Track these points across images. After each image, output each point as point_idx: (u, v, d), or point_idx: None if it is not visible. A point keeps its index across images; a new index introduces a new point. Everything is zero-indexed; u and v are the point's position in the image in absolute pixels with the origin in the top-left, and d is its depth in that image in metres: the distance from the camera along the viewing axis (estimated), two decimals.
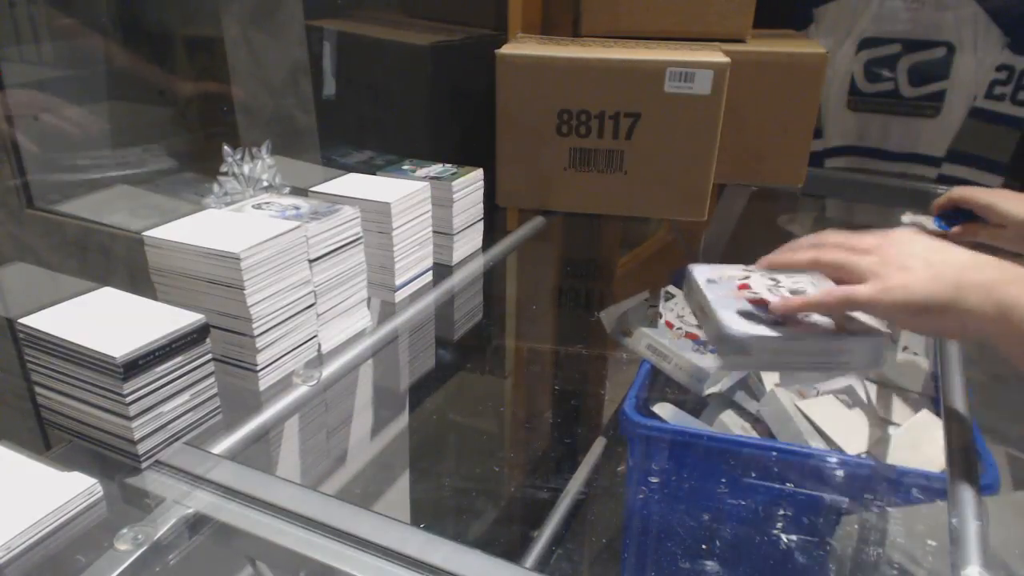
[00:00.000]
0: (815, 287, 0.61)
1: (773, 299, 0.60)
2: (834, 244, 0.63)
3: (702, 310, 0.63)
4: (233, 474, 0.53)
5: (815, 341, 0.59)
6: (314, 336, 0.69)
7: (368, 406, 0.81)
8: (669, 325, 0.99)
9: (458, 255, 0.90)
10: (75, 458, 0.54)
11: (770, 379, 0.90)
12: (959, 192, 0.81)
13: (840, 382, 0.89)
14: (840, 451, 0.81)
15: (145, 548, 0.47)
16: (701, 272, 0.67)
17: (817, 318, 0.60)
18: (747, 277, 0.65)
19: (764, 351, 0.59)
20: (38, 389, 0.55)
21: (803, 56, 1.01)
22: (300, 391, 0.64)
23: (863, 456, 0.80)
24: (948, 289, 0.54)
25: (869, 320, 0.61)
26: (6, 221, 1.05)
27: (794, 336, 0.58)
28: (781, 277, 0.64)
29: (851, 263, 0.60)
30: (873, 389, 0.89)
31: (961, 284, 0.54)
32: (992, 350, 0.54)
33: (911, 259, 0.57)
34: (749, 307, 0.61)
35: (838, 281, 0.61)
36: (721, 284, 0.64)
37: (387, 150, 0.97)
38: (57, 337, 0.52)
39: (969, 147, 1.36)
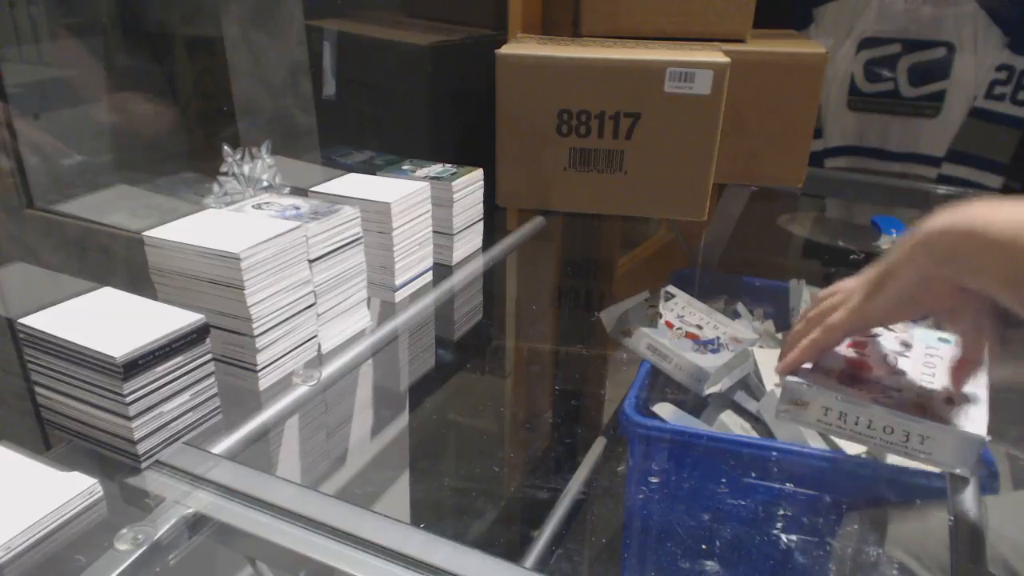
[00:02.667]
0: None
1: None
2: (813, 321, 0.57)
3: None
4: (233, 474, 0.53)
5: (886, 415, 0.52)
6: (314, 336, 0.69)
7: (368, 406, 0.81)
8: (669, 325, 0.99)
9: (458, 255, 0.90)
10: (75, 458, 0.54)
11: (770, 379, 0.90)
12: None
13: None
14: (840, 451, 0.81)
15: (145, 548, 0.47)
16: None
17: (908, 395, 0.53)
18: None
19: (821, 407, 0.53)
20: (38, 389, 0.55)
21: (803, 56, 1.01)
22: (300, 391, 0.64)
23: (863, 456, 0.80)
24: (903, 250, 0.50)
25: (973, 416, 0.53)
26: (6, 221, 1.05)
27: (861, 404, 0.52)
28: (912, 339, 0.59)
29: (820, 312, 0.56)
30: None
31: (915, 241, 0.49)
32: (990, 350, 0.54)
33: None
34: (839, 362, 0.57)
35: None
36: None
37: (387, 150, 0.97)
38: (57, 337, 0.52)
39: (969, 147, 1.36)
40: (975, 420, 0.52)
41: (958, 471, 0.54)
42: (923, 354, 0.59)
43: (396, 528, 0.48)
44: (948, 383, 0.56)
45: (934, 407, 0.53)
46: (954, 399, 0.54)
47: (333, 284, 0.70)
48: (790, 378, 0.54)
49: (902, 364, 0.58)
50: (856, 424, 0.53)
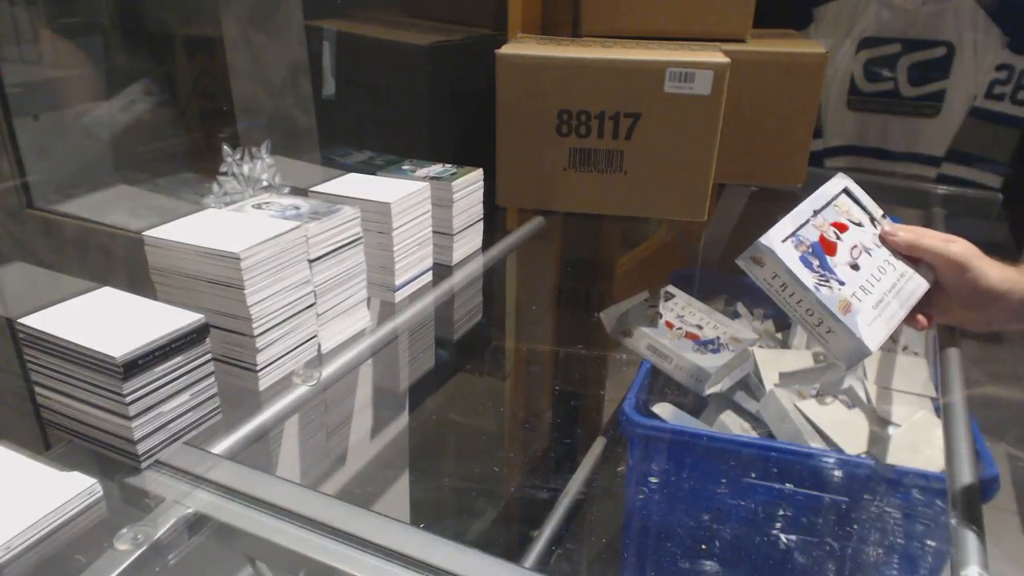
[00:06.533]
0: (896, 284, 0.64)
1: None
2: None
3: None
4: (233, 474, 0.53)
5: (814, 301, 0.60)
6: (314, 336, 0.69)
7: (368, 406, 0.81)
8: (669, 325, 0.99)
9: (458, 255, 0.90)
10: (75, 458, 0.54)
11: (770, 379, 0.90)
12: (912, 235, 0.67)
13: (840, 382, 0.89)
14: (840, 451, 0.81)
15: (145, 548, 0.47)
16: (836, 185, 0.67)
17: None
18: (853, 228, 0.66)
19: (773, 272, 0.61)
20: (38, 389, 0.55)
21: (803, 56, 1.01)
22: (300, 391, 0.64)
23: (863, 456, 0.80)
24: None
25: (877, 329, 0.60)
26: (6, 221, 1.05)
27: (803, 285, 0.60)
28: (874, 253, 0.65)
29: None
30: (873, 389, 0.89)
31: None
32: (992, 350, 0.54)
33: None
34: (813, 240, 0.63)
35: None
36: (831, 208, 0.66)
37: (387, 150, 0.97)
38: (57, 337, 0.52)
39: (969, 147, 1.36)
40: (875, 333, 0.60)
41: (840, 363, 0.62)
42: (883, 260, 0.65)
43: (396, 528, 0.48)
44: (887, 293, 0.63)
45: (858, 309, 0.61)
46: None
47: (333, 284, 0.70)
48: (762, 240, 0.61)
49: (861, 261, 0.64)
50: (791, 296, 0.61)
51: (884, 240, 0.66)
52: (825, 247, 0.63)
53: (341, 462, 0.78)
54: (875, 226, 0.68)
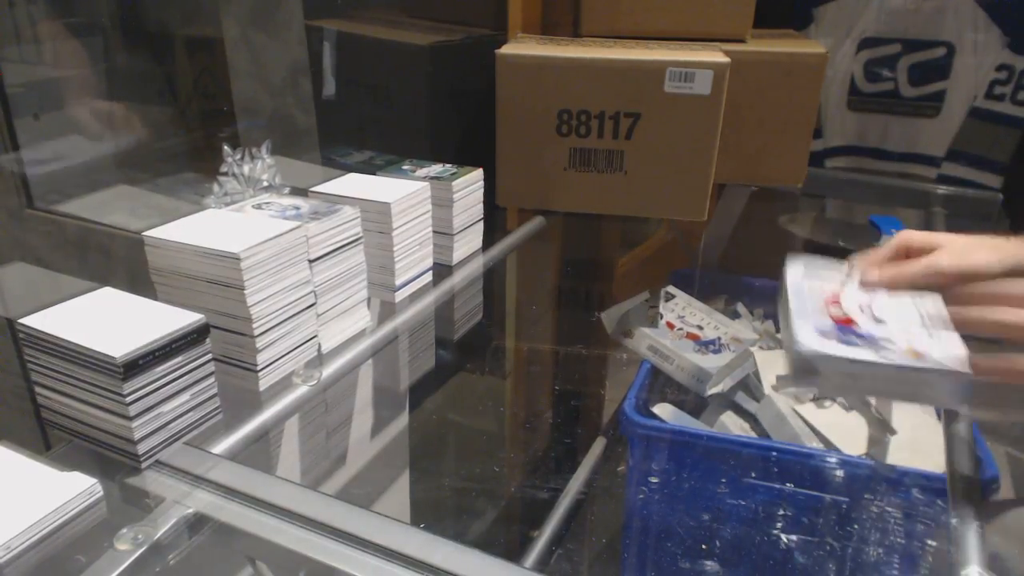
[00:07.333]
0: (918, 312, 0.56)
1: (861, 315, 0.55)
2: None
3: (784, 316, 0.58)
4: (233, 474, 0.53)
5: (894, 371, 0.53)
6: (314, 336, 0.69)
7: (368, 406, 0.81)
8: (670, 325, 0.99)
9: (458, 255, 0.90)
10: (75, 458, 0.54)
11: (768, 382, 0.90)
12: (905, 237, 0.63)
13: None
14: (840, 451, 0.81)
15: (145, 548, 0.47)
16: (795, 270, 0.62)
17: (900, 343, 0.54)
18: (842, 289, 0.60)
19: (835, 373, 0.53)
20: (38, 389, 0.55)
21: (803, 56, 1.01)
22: (300, 391, 0.64)
23: (863, 457, 0.80)
24: None
25: (954, 352, 0.53)
26: (6, 221, 1.05)
27: (869, 363, 0.53)
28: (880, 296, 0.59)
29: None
30: None
31: None
32: (991, 350, 0.54)
33: None
34: (831, 324, 0.56)
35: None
36: (811, 293, 0.60)
37: (387, 150, 0.97)
38: (57, 337, 0.52)
39: (969, 147, 1.36)
40: (956, 355, 0.53)
41: (961, 408, 0.57)
42: (887, 299, 0.59)
43: (396, 528, 0.48)
44: (924, 322, 0.56)
45: (925, 349, 0.53)
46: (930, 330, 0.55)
47: (333, 284, 0.70)
48: (801, 345, 0.53)
49: (877, 312, 0.57)
50: (867, 380, 0.54)
51: (866, 288, 0.60)
52: (844, 323, 0.57)
53: (341, 462, 0.78)
54: (850, 278, 0.62)
